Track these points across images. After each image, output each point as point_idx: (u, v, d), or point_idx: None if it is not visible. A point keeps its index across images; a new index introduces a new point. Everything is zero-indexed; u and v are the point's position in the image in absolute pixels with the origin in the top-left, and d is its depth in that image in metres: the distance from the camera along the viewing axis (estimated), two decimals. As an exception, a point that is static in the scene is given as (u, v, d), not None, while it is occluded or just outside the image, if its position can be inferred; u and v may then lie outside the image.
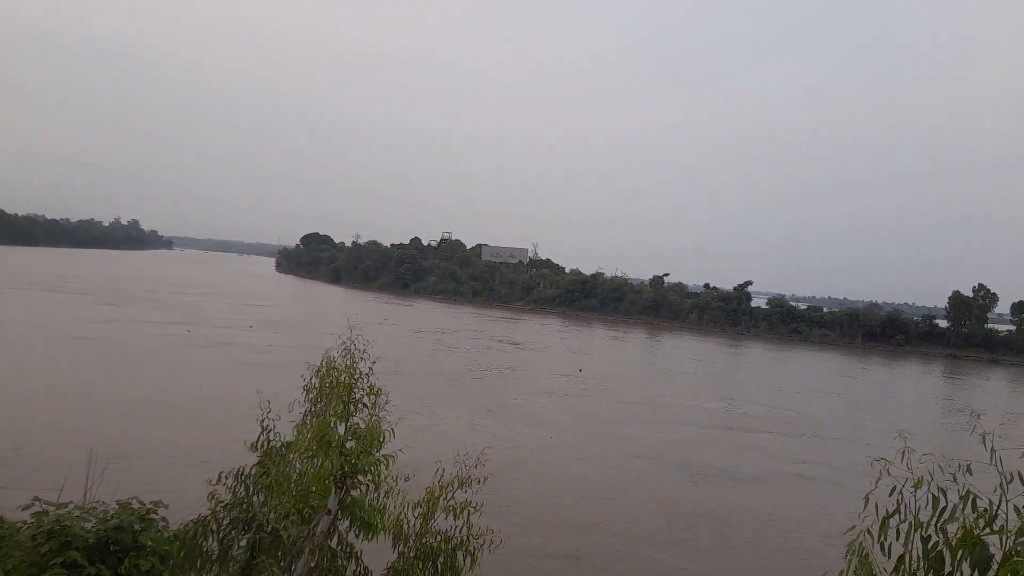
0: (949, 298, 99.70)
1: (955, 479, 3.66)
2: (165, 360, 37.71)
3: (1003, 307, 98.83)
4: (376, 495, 6.92)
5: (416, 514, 6.89)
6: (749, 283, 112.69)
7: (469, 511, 6.95)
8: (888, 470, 3.79)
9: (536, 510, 20.01)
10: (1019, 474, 3.55)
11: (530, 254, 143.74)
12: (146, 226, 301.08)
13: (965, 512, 3.42)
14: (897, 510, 3.64)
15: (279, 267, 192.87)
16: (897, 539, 3.61)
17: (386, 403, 7.27)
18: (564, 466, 24.79)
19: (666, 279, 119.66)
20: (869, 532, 3.65)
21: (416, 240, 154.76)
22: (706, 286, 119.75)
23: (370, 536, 6.73)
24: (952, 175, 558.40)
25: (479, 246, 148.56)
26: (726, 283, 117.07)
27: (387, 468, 6.90)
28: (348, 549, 7.00)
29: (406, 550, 6.83)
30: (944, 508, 3.51)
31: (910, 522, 3.58)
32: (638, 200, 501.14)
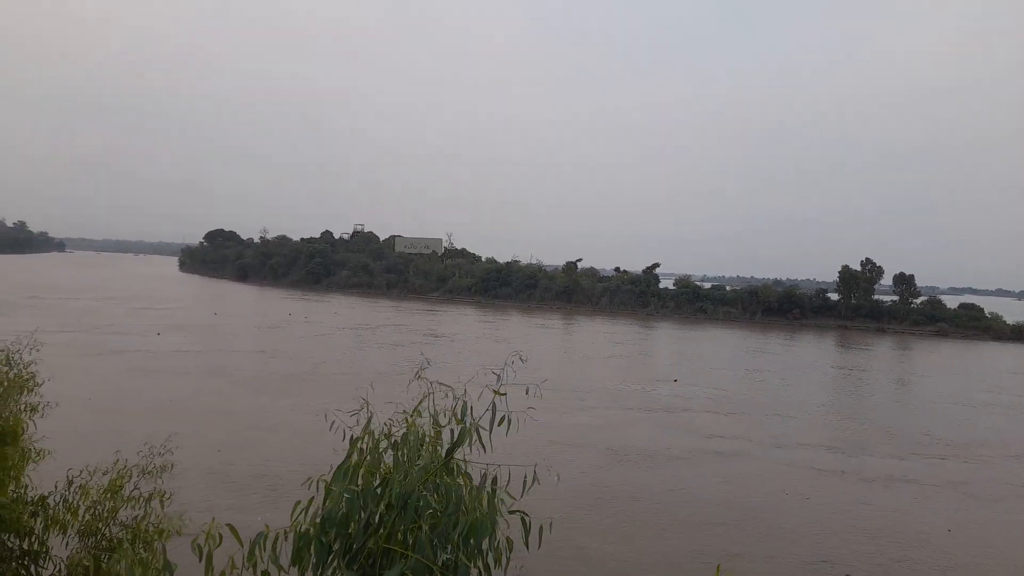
0: (839, 272, 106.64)
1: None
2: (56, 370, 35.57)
3: (888, 279, 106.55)
4: (67, 491, 6.94)
5: (105, 508, 6.91)
6: (657, 265, 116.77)
7: (153, 500, 6.96)
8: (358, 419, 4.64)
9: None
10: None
11: (445, 244, 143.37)
12: (35, 227, 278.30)
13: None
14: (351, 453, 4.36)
15: (183, 266, 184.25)
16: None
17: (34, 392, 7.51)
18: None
19: (579, 264, 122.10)
20: (324, 479, 4.30)
21: (327, 233, 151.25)
22: (616, 270, 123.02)
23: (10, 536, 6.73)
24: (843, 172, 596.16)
25: (392, 237, 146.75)
26: (636, 266, 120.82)
27: (25, 461, 7.03)
28: (41, 549, 6.89)
29: (92, 544, 6.81)
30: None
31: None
32: (554, 187, 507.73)
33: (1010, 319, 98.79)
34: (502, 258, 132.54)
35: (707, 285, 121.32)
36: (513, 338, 66.66)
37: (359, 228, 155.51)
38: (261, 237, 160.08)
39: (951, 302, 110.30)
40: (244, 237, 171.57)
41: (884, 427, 34.23)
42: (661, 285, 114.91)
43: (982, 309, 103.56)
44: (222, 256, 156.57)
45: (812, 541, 18.82)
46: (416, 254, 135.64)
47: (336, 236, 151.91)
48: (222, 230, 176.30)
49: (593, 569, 16.61)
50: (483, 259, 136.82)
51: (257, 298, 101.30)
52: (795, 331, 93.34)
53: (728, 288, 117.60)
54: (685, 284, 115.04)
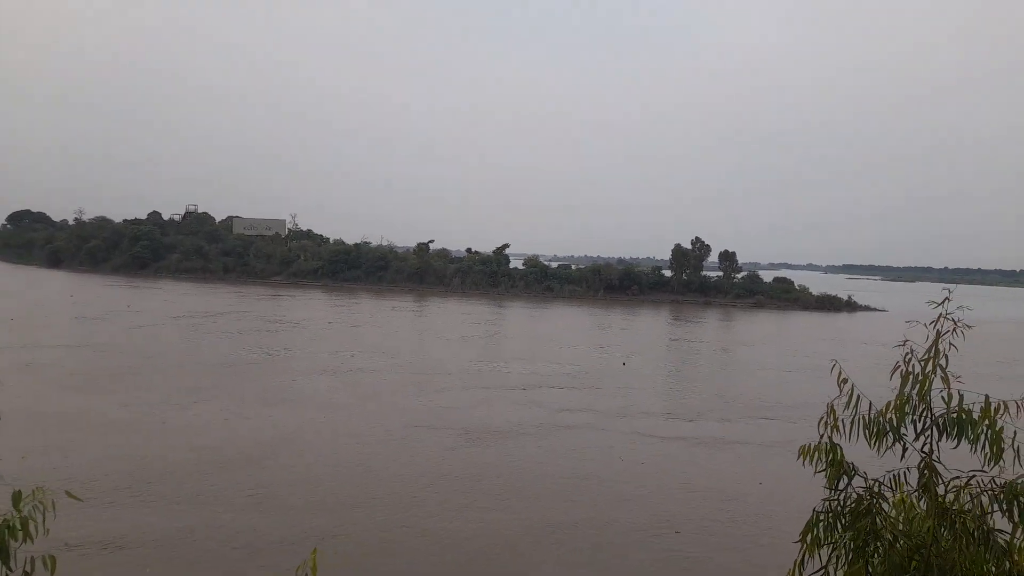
0: (672, 251, 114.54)
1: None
2: None
3: (714, 256, 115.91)
4: None
5: None
6: (507, 246, 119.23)
7: None
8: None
9: (295, 495, 19.79)
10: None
11: (289, 225, 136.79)
12: None
13: None
14: None
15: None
16: None
17: None
18: (335, 445, 24.74)
19: (431, 245, 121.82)
20: None
21: (155, 214, 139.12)
22: (468, 251, 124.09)
23: None
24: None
25: (230, 218, 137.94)
26: (487, 247, 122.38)
27: None
28: None
29: None
30: None
31: None
32: (404, 169, 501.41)
33: (815, 291, 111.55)
34: (351, 239, 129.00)
35: (554, 265, 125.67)
36: (367, 322, 65.44)
37: (192, 209, 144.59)
38: (76, 219, 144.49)
39: (768, 276, 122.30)
40: (57, 219, 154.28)
41: (716, 394, 37.45)
42: (511, 265, 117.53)
43: (792, 282, 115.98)
44: (28, 240, 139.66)
45: (647, 504, 20.30)
46: (257, 236, 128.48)
47: (166, 217, 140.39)
48: (29, 211, 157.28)
49: (432, 545, 16.93)
50: (331, 241, 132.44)
51: (74, 286, 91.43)
52: (635, 306, 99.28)
53: (573, 267, 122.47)
54: (533, 264, 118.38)
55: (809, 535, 5.36)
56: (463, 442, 25.81)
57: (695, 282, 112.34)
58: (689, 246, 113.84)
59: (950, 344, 5.14)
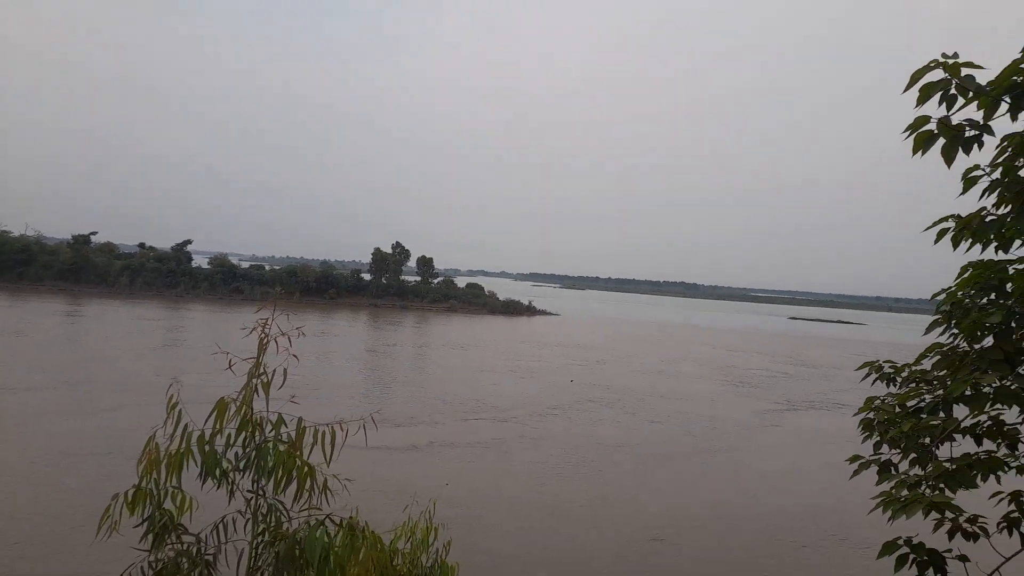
0: (372, 254, 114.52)
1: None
2: None
3: (413, 261, 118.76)
4: None
5: None
6: (189, 242, 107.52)
7: None
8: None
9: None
10: None
11: None
12: None
13: None
14: None
15: None
16: None
17: None
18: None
19: (93, 238, 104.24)
20: None
21: None
22: (141, 246, 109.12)
23: None
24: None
25: None
26: (166, 243, 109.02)
27: None
28: None
29: None
30: None
31: None
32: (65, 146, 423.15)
33: (502, 296, 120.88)
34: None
35: (245, 264, 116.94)
36: (9, 329, 53.06)
37: None
38: None
39: (465, 283, 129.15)
40: None
41: (437, 398, 37.63)
42: (195, 264, 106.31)
43: (483, 288, 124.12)
44: None
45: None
46: None
47: None
48: None
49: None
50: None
51: None
52: (332, 310, 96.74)
53: (268, 268, 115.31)
54: (221, 263, 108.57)
55: None
56: (108, 470, 21.90)
57: (394, 286, 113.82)
58: (390, 251, 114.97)
59: (292, 355, 4.35)
